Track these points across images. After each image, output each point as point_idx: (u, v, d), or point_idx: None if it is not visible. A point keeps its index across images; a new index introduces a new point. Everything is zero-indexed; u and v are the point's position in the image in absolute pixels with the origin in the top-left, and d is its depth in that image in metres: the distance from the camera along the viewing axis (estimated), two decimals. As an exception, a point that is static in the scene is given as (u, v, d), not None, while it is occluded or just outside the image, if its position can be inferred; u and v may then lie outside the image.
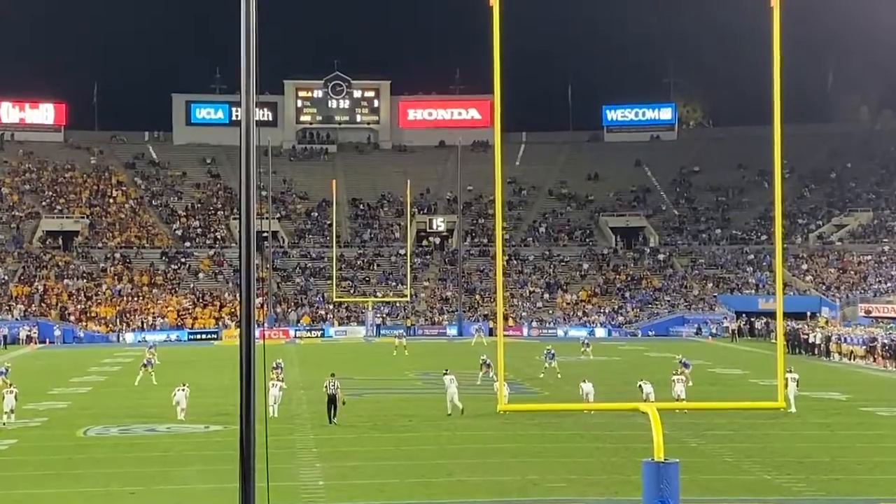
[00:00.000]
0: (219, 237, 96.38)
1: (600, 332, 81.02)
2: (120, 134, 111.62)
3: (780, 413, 32.47)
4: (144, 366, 47.44)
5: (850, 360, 57.68)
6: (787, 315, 62.11)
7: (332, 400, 33.90)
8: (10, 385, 35.90)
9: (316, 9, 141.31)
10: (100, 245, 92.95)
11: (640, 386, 35.51)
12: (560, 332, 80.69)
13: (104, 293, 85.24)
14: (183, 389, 35.31)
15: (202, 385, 41.98)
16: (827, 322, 71.16)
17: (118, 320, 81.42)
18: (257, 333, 14.24)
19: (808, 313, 74.48)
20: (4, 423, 33.62)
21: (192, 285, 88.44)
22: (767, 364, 40.19)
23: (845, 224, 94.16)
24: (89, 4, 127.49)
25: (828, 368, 54.96)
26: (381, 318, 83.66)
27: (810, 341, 62.58)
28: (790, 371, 35.71)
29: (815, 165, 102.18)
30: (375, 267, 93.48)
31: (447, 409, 35.32)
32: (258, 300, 68.07)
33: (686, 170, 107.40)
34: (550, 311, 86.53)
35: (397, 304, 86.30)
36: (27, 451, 29.80)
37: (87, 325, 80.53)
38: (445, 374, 36.74)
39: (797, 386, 36.37)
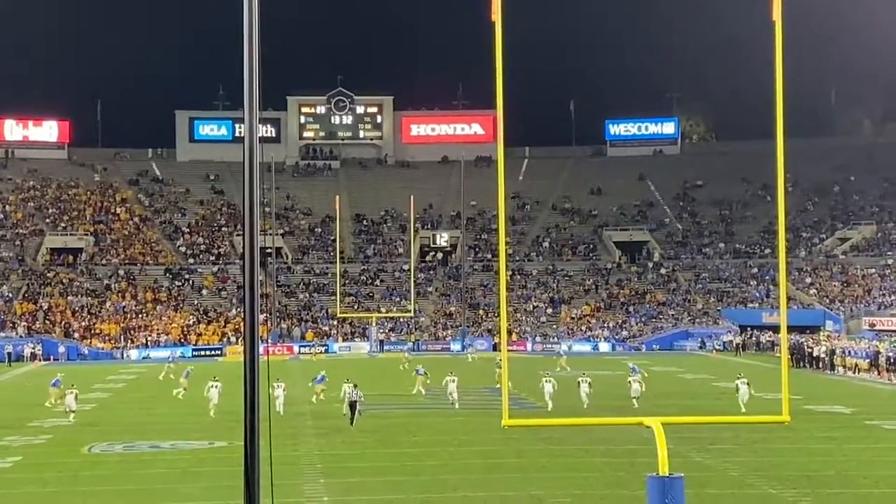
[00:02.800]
0: (222, 253, 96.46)
1: (604, 347, 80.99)
2: (123, 151, 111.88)
3: (785, 427, 32.39)
4: (185, 377, 47.22)
5: (854, 373, 57.61)
6: (791, 329, 62.05)
7: (353, 406, 35.86)
8: (73, 386, 39.71)
9: (319, 25, 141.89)
10: (104, 262, 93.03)
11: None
12: (564, 347, 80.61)
13: (108, 310, 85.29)
14: (216, 386, 36.48)
15: (206, 400, 41.91)
16: (830, 335, 71.08)
17: (122, 337, 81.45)
18: (261, 350, 14.22)
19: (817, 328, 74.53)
20: (72, 420, 37.55)
21: (196, 302, 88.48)
22: (771, 378, 40.11)
23: (849, 237, 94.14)
24: (92, 23, 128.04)
25: (832, 382, 54.91)
26: (384, 334, 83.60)
27: (814, 355, 62.52)
28: (740, 377, 39.80)
29: (819, 179, 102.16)
30: (379, 283, 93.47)
31: (342, 409, 37.41)
32: (262, 316, 67.72)
33: (689, 184, 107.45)
34: (554, 326, 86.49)
35: (401, 320, 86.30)
36: (32, 468, 29.75)
37: (91, 342, 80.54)
38: (346, 381, 38.91)
39: (749, 388, 38.96)
